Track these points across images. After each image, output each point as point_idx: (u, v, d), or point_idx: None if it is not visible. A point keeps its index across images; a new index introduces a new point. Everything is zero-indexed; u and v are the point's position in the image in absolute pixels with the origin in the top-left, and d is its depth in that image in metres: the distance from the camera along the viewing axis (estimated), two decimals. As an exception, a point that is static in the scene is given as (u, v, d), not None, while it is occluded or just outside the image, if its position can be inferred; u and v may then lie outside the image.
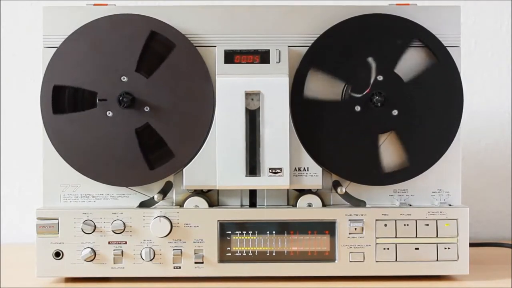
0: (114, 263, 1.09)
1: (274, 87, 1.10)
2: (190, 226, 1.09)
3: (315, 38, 1.12)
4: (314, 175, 1.11)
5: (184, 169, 1.10)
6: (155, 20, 1.11)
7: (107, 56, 1.10)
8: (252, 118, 1.11)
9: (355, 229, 1.10)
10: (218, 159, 1.09)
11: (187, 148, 1.10)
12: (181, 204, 1.13)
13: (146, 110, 1.10)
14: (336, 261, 1.10)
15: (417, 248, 1.10)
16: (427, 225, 1.10)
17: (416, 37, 1.12)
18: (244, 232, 1.10)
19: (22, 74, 1.56)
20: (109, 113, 1.10)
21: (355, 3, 1.21)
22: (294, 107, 1.11)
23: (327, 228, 1.10)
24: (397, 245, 1.10)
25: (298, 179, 1.11)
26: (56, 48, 1.11)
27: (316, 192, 1.13)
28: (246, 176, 1.09)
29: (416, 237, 1.10)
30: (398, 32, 1.12)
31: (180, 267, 1.09)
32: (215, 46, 1.12)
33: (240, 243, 1.10)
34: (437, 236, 1.10)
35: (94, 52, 1.10)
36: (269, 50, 1.12)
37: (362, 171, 1.12)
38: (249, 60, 1.11)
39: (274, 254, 1.10)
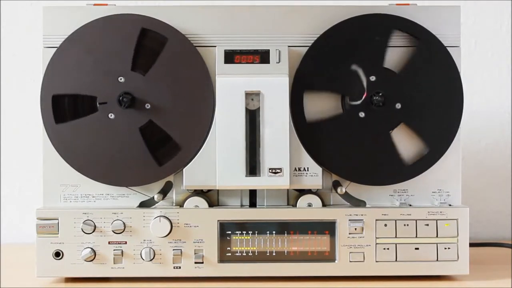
0: (114, 263, 1.09)
1: (274, 87, 1.10)
2: (190, 226, 1.09)
3: (315, 38, 1.12)
4: (314, 175, 1.11)
5: (184, 169, 1.10)
6: (145, 18, 1.11)
7: (101, 58, 1.10)
8: (252, 118, 1.11)
9: (355, 229, 1.10)
10: (218, 159, 1.09)
11: (192, 140, 1.10)
12: (181, 204, 1.13)
13: (147, 108, 1.10)
14: (336, 261, 1.10)
15: (417, 248, 1.10)
16: (427, 225, 1.10)
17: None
18: (244, 232, 1.10)
19: (22, 74, 1.56)
20: (111, 115, 1.10)
21: (355, 3, 1.21)
22: (294, 107, 1.11)
23: (327, 228, 1.10)
24: (397, 245, 1.10)
25: (298, 179, 1.11)
26: (56, 48, 1.11)
27: (316, 192, 1.13)
28: (246, 176, 1.09)
29: (416, 237, 1.10)
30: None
31: (180, 267, 1.09)
32: (215, 46, 1.12)
33: (240, 243, 1.10)
34: (437, 236, 1.10)
35: (88, 56, 1.10)
36: (269, 50, 1.12)
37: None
38: (249, 60, 1.11)
39: (274, 254, 1.10)
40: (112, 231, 1.09)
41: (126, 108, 1.10)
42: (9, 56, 1.57)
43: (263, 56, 1.11)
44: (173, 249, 1.09)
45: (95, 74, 1.10)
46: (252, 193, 1.14)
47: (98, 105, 1.10)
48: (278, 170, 1.09)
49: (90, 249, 1.09)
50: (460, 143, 1.14)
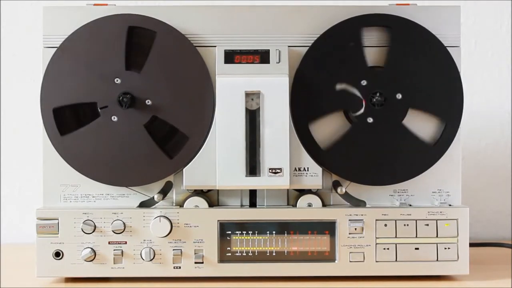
0: (114, 263, 1.09)
1: (274, 87, 1.09)
2: (190, 226, 1.09)
3: (315, 38, 1.12)
4: (314, 175, 1.11)
5: (184, 169, 1.10)
6: (130, 16, 1.11)
7: (94, 64, 1.10)
8: (252, 118, 1.11)
9: (355, 229, 1.10)
10: (218, 159, 1.09)
11: (199, 129, 1.10)
12: (181, 204, 1.13)
13: (148, 104, 1.10)
14: (336, 261, 1.10)
15: (417, 248, 1.10)
16: (427, 225, 1.10)
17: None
18: (244, 232, 1.10)
19: (22, 74, 1.56)
20: (114, 118, 1.10)
21: (355, 3, 1.21)
22: (294, 107, 1.11)
23: (327, 228, 1.10)
24: (397, 245, 1.10)
25: (298, 179, 1.11)
26: (56, 48, 1.11)
27: (316, 192, 1.13)
28: (246, 176, 1.09)
29: (416, 237, 1.10)
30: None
31: (180, 267, 1.09)
32: (215, 46, 1.12)
33: (240, 243, 1.10)
34: (437, 236, 1.10)
35: (81, 64, 1.10)
36: (269, 50, 1.12)
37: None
38: (249, 60, 1.11)
39: (274, 254, 1.10)
40: (112, 231, 1.09)
41: (128, 108, 1.10)
42: (9, 56, 1.57)
43: (263, 56, 1.11)
44: (173, 249, 1.09)
45: (91, 80, 1.10)
46: (252, 193, 1.14)
47: (99, 110, 1.10)
48: (278, 170, 1.09)
49: (90, 249, 1.09)
50: (460, 143, 1.14)
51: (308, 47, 1.12)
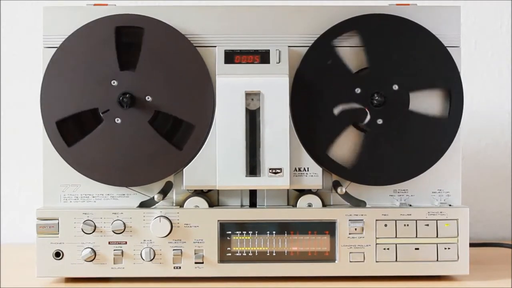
0: (114, 263, 1.09)
1: (274, 87, 1.10)
2: (190, 226, 1.09)
3: (315, 38, 1.12)
4: (314, 175, 1.11)
5: (184, 169, 1.10)
6: (117, 16, 1.11)
7: (89, 69, 1.10)
8: (252, 118, 1.11)
9: (355, 229, 1.10)
10: (218, 159, 1.09)
11: (202, 115, 1.10)
12: (181, 204, 1.13)
13: (149, 100, 1.10)
14: (336, 261, 1.10)
15: (417, 248, 1.10)
16: (427, 225, 1.10)
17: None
18: (244, 232, 1.10)
19: (22, 74, 1.56)
20: (118, 120, 1.10)
21: (355, 3, 1.21)
22: (294, 107, 1.11)
23: (327, 228, 1.10)
24: (397, 245, 1.10)
25: (298, 179, 1.11)
26: (55, 48, 1.11)
27: (316, 192, 1.13)
28: (246, 176, 1.09)
29: (416, 237, 1.10)
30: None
31: (180, 267, 1.09)
32: (215, 46, 1.12)
33: (240, 243, 1.10)
34: (437, 236, 1.10)
35: (76, 71, 1.10)
36: (269, 50, 1.12)
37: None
38: (249, 60, 1.11)
39: (274, 254, 1.10)
40: (112, 231, 1.09)
41: (129, 108, 1.10)
42: (9, 56, 1.57)
43: (263, 56, 1.11)
44: (173, 249, 1.09)
45: (89, 86, 1.10)
46: (252, 193, 1.14)
47: (101, 114, 1.10)
48: (278, 170, 1.09)
49: (90, 249, 1.09)
50: (460, 143, 1.14)
51: (308, 47, 1.12)
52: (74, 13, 1.12)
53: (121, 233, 1.09)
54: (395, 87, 1.11)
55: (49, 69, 1.10)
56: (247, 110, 1.10)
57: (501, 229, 1.57)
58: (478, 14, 1.57)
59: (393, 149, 1.11)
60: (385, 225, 1.10)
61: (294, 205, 1.13)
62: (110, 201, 1.13)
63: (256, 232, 1.10)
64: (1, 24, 1.56)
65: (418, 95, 1.12)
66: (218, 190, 1.14)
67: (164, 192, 1.13)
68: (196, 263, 1.09)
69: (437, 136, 1.11)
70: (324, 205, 1.13)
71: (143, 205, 1.13)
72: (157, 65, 1.10)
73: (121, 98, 1.10)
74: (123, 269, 1.09)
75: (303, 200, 1.13)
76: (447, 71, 1.12)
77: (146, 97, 1.10)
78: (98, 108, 1.10)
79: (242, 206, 1.14)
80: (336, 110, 1.11)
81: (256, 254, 1.10)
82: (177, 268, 1.09)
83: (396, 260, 1.10)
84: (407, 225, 1.10)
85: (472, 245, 1.14)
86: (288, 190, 1.14)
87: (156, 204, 1.12)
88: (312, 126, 1.11)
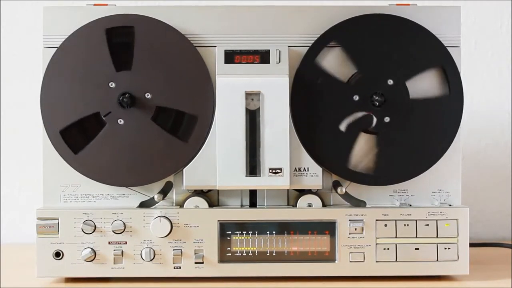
0: (114, 263, 1.09)
1: (274, 87, 1.10)
2: (190, 226, 1.09)
3: (315, 38, 1.12)
4: (314, 175, 1.11)
5: (184, 169, 1.10)
6: (106, 18, 1.11)
7: (85, 74, 1.10)
8: (252, 118, 1.11)
9: (355, 229, 1.10)
10: (218, 159, 1.09)
11: (203, 107, 1.10)
12: (181, 204, 1.13)
13: (149, 97, 1.10)
14: (336, 261, 1.10)
15: (417, 248, 1.10)
16: (427, 225, 1.10)
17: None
18: (244, 232, 1.10)
19: (22, 74, 1.56)
20: (120, 121, 1.10)
21: (355, 3, 1.21)
22: (294, 107, 1.11)
23: (327, 228, 1.10)
24: (397, 245, 1.10)
25: (298, 179, 1.11)
26: (55, 48, 1.11)
27: (316, 192, 1.13)
28: (246, 176, 1.09)
29: (416, 237, 1.10)
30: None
31: (180, 267, 1.09)
32: (215, 46, 1.12)
33: (240, 243, 1.10)
34: (437, 236, 1.10)
35: (73, 77, 1.10)
36: (269, 50, 1.12)
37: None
38: (249, 60, 1.11)
39: (274, 254, 1.10)
40: (112, 231, 1.09)
41: (130, 107, 1.10)
42: (9, 56, 1.57)
43: (263, 56, 1.11)
44: (173, 249, 1.09)
45: (88, 90, 1.10)
46: (252, 193, 1.14)
47: (103, 118, 1.10)
48: (278, 170, 1.09)
49: (90, 249, 1.09)
50: (460, 143, 1.14)
51: (308, 47, 1.12)
52: (74, 13, 1.12)
53: (121, 233, 1.09)
54: (390, 82, 1.11)
55: (49, 69, 1.10)
56: (247, 110, 1.10)
57: (501, 229, 1.57)
58: (478, 14, 1.57)
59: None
60: (385, 225, 1.10)
61: (294, 205, 1.13)
62: (110, 201, 1.13)
63: (256, 232, 1.10)
64: (1, 24, 1.56)
65: (414, 82, 1.11)
66: (218, 190, 1.14)
67: (164, 192, 1.13)
68: (196, 263, 1.09)
69: (444, 116, 1.11)
70: (324, 205, 1.13)
71: (143, 205, 1.13)
72: (156, 65, 1.10)
73: (121, 98, 1.09)
74: (123, 269, 1.09)
75: (303, 200, 1.13)
76: (435, 50, 1.11)
77: (146, 95, 1.10)
78: (99, 112, 1.10)
79: (242, 206, 1.14)
80: (343, 126, 1.11)
81: (256, 254, 1.10)
82: (177, 268, 1.09)
83: (396, 260, 1.10)
84: (407, 225, 1.10)
85: (472, 245, 1.14)
86: (288, 190, 1.14)
87: (156, 204, 1.12)
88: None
